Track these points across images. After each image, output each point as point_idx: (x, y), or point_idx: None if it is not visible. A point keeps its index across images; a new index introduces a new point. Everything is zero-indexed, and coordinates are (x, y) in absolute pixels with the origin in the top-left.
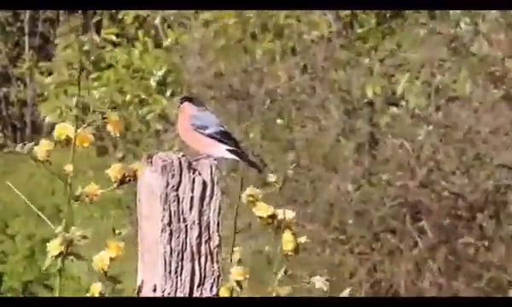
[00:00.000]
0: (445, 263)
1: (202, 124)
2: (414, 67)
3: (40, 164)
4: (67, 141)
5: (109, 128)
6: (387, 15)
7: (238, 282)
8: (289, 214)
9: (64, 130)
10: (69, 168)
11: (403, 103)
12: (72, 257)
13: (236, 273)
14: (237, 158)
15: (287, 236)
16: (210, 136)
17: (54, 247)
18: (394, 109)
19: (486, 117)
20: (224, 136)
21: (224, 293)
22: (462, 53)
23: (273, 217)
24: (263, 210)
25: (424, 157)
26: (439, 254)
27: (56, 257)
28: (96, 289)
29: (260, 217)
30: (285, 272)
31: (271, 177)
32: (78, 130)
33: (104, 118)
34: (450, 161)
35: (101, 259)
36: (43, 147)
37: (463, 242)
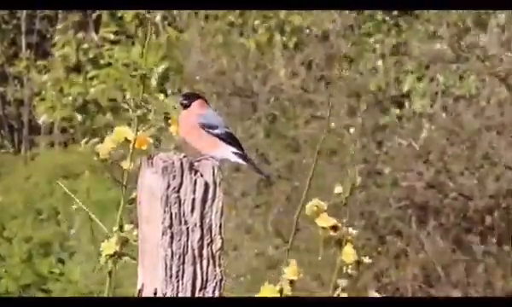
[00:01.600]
0: (453, 266)
1: (211, 123)
2: (420, 64)
3: (101, 162)
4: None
5: (172, 129)
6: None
7: (291, 282)
8: (351, 231)
9: (123, 132)
10: (127, 168)
11: (408, 101)
12: (125, 258)
13: (291, 272)
14: (242, 161)
15: (348, 249)
16: (218, 136)
17: (109, 247)
18: (399, 107)
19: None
20: (230, 138)
21: (271, 293)
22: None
23: (335, 228)
24: (325, 221)
25: (431, 157)
26: (447, 258)
27: (110, 256)
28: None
29: (323, 228)
30: (342, 290)
31: (337, 189)
32: (139, 133)
33: (168, 119)
34: (458, 161)
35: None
36: (106, 145)
37: (471, 244)
